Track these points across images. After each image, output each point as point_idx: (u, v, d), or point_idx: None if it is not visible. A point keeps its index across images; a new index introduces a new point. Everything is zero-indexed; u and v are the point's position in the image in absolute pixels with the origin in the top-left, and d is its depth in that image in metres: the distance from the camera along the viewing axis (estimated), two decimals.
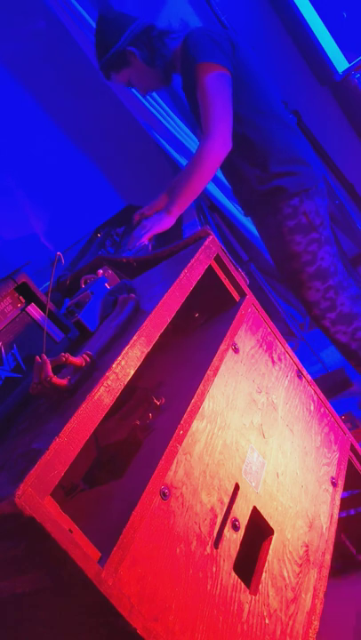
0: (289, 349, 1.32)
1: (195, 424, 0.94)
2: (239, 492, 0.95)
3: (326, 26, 2.79)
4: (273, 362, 1.25)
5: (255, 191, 1.90)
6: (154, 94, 2.76)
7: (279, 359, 1.27)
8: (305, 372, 1.33)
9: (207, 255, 1.20)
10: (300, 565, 1.01)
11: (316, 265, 1.88)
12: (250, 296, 1.29)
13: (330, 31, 2.80)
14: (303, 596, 0.98)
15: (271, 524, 0.99)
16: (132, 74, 1.92)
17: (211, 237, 1.25)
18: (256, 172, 1.88)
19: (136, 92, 2.69)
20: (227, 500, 0.92)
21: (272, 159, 1.85)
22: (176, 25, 1.95)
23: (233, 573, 0.87)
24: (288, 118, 1.93)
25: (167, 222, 1.80)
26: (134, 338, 0.90)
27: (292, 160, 1.86)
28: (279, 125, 1.88)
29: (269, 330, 1.30)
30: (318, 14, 2.77)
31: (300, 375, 1.31)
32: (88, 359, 0.89)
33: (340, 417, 1.93)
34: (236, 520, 0.91)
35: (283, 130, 1.88)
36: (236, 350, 1.14)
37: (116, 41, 1.85)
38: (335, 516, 1.16)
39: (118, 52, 1.86)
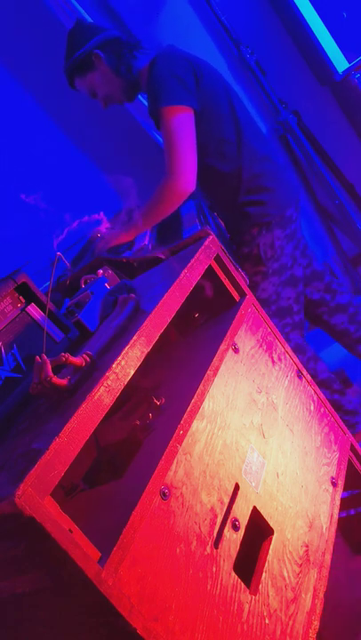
0: (289, 349, 1.32)
1: (195, 424, 0.94)
2: (239, 492, 0.95)
3: (326, 26, 2.79)
4: (273, 362, 1.25)
5: (228, 217, 2.03)
6: None
7: (279, 359, 1.27)
8: (305, 372, 1.33)
9: (207, 255, 1.20)
10: (301, 565, 1.01)
11: (256, 295, 1.96)
12: (250, 296, 1.29)
13: (330, 31, 2.79)
14: (303, 596, 0.98)
15: (271, 524, 0.99)
16: (95, 79, 1.92)
17: (211, 237, 1.25)
18: (228, 202, 1.97)
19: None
20: (227, 500, 0.92)
21: (240, 189, 1.92)
22: (149, 43, 1.96)
23: (233, 573, 0.87)
24: (259, 142, 1.96)
25: (124, 238, 1.91)
26: (134, 338, 0.90)
27: (259, 189, 1.92)
28: (248, 153, 1.91)
29: (269, 330, 1.30)
30: (318, 14, 2.77)
31: (300, 375, 1.31)
32: (88, 359, 0.89)
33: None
34: (236, 520, 0.91)
35: (252, 157, 1.92)
36: (236, 350, 1.14)
37: (83, 44, 1.88)
38: (335, 516, 1.16)
39: (84, 54, 1.88)
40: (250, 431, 1.06)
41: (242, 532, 0.91)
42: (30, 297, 1.05)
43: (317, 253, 2.19)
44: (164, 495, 0.82)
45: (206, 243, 1.22)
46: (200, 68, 1.84)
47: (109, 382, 0.82)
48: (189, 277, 1.10)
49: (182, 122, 1.78)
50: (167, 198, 1.81)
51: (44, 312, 1.06)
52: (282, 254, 1.93)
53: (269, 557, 0.95)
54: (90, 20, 2.56)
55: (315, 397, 1.32)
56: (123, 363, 0.86)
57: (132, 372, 0.87)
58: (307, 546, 1.05)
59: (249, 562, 0.94)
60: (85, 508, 0.88)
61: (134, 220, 1.91)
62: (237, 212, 1.94)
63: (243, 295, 1.29)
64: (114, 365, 0.84)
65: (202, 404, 0.98)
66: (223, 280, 1.26)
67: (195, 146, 1.80)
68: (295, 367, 1.31)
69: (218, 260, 1.24)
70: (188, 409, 0.94)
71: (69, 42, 1.92)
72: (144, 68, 1.89)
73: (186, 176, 1.79)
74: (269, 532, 0.99)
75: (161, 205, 1.83)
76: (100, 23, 2.11)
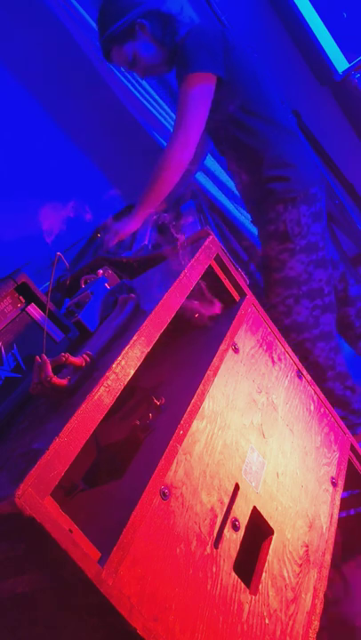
0: (289, 349, 1.32)
1: (195, 424, 0.94)
2: (239, 492, 0.95)
3: (326, 26, 2.79)
4: (273, 362, 1.25)
5: (252, 193, 1.98)
6: (153, 94, 2.76)
7: (279, 359, 1.27)
8: (305, 372, 1.33)
9: (207, 255, 1.20)
10: (301, 565, 1.01)
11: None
12: (250, 296, 1.29)
13: (330, 31, 2.80)
14: (303, 596, 0.98)
15: (271, 524, 0.99)
16: (137, 49, 1.90)
17: (211, 237, 1.25)
18: (252, 176, 1.93)
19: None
20: (227, 500, 0.92)
21: (265, 164, 1.89)
22: (185, 17, 1.95)
23: (233, 573, 0.87)
24: (285, 119, 1.95)
25: (132, 225, 1.87)
26: (134, 338, 0.90)
27: (283, 164, 1.90)
28: (274, 128, 1.90)
29: (269, 330, 1.30)
30: (318, 14, 2.77)
31: (300, 375, 1.31)
32: (88, 359, 0.89)
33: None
34: (236, 520, 0.91)
35: (277, 133, 1.90)
36: (236, 350, 1.14)
37: (126, 12, 1.85)
38: (335, 516, 1.16)
39: (127, 23, 1.85)
40: (250, 431, 1.06)
41: (242, 532, 0.92)
42: (30, 297, 1.05)
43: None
44: (164, 495, 0.82)
45: (206, 243, 1.22)
46: (233, 40, 1.84)
47: (109, 382, 0.82)
48: (189, 277, 1.10)
49: (200, 93, 1.79)
50: (166, 165, 1.82)
51: (44, 312, 1.06)
52: (308, 232, 1.90)
53: (269, 557, 0.95)
54: (90, 20, 2.55)
55: (315, 397, 1.32)
56: (123, 363, 0.86)
57: (132, 372, 0.87)
58: (307, 546, 1.05)
59: (249, 562, 0.94)
60: (85, 508, 0.88)
61: (139, 201, 1.89)
62: (261, 188, 1.91)
63: (243, 295, 1.29)
64: (114, 365, 0.84)
65: (202, 404, 0.98)
66: (223, 280, 1.26)
67: (204, 120, 1.81)
68: (295, 367, 1.31)
69: (218, 259, 1.24)
70: (188, 409, 0.94)
71: (107, 10, 1.88)
72: (179, 40, 1.87)
73: (185, 147, 1.80)
74: (269, 532, 0.99)
75: (161, 175, 1.83)
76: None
